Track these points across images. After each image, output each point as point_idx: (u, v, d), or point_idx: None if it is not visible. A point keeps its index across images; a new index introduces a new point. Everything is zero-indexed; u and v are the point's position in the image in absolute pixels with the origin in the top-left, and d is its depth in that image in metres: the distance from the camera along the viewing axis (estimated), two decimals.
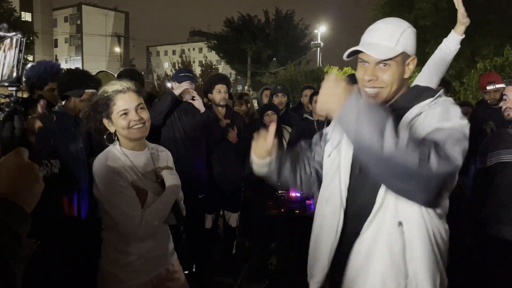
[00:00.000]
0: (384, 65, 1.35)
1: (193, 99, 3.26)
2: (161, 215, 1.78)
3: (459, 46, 2.39)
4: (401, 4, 14.94)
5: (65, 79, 2.93)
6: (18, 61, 0.80)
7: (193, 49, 51.86)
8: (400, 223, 1.32)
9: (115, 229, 1.73)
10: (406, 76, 1.40)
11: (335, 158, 1.51)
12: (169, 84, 14.85)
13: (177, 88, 3.17)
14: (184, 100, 3.26)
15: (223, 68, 37.63)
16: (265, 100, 4.56)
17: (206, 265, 3.61)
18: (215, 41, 33.91)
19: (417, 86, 1.49)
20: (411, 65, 1.40)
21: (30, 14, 40.82)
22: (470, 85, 12.26)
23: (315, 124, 3.71)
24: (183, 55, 28.59)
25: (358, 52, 1.40)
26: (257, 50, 30.65)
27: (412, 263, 1.31)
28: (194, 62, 32.68)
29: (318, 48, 26.73)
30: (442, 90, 1.42)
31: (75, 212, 2.76)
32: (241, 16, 32.83)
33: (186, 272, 3.51)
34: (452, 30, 2.39)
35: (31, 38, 24.10)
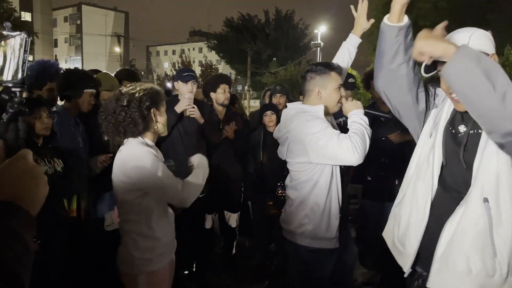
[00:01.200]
0: None
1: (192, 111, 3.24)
2: (198, 189, 2.00)
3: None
4: None
5: (64, 79, 2.92)
6: (23, 62, 0.80)
7: (193, 49, 51.85)
8: (486, 199, 1.36)
9: (142, 217, 1.87)
10: None
11: (431, 137, 1.57)
12: (169, 84, 14.84)
13: (178, 105, 3.15)
14: (185, 116, 3.23)
15: (223, 68, 37.62)
16: (268, 101, 4.55)
17: (206, 265, 3.61)
18: (215, 41, 33.92)
19: None
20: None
21: (30, 14, 40.83)
22: None
23: None
24: (183, 55, 28.61)
25: (434, 68, 1.44)
26: (257, 50, 30.65)
27: (499, 241, 1.35)
28: (194, 62, 32.68)
29: (318, 48, 26.71)
30: None
31: (75, 212, 2.76)
32: (241, 16, 32.84)
33: (186, 272, 3.52)
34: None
35: (31, 38, 24.06)
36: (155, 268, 1.92)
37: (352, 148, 1.93)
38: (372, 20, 2.46)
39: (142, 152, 1.81)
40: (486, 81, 1.17)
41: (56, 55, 46.39)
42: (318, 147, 1.99)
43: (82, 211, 2.75)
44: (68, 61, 46.60)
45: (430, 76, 1.48)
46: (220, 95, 3.58)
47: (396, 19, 1.51)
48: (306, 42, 31.87)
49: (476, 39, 1.42)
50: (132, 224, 1.92)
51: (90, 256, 2.57)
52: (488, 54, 1.40)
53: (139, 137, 1.88)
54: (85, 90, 2.88)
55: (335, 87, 2.15)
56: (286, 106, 4.37)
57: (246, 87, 30.74)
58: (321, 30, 27.39)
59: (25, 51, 0.79)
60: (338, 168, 2.12)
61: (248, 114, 5.37)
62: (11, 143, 0.80)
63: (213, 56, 35.97)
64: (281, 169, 3.85)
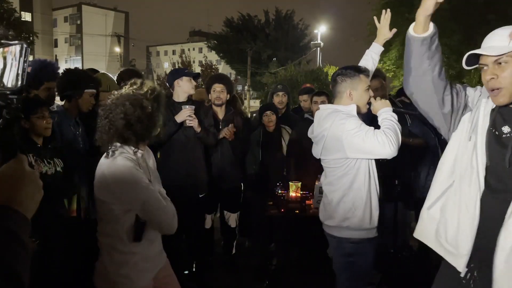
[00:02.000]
0: (501, 64, 1.45)
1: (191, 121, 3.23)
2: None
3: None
4: (401, 4, 14.93)
5: (64, 79, 2.92)
6: (23, 70, 0.81)
7: (193, 49, 51.82)
8: None
9: (117, 232, 1.76)
10: None
11: (466, 138, 1.62)
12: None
13: (179, 116, 3.14)
14: (184, 126, 3.21)
15: (223, 68, 37.61)
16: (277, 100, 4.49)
17: (206, 265, 3.61)
18: (215, 41, 33.86)
19: None
20: None
21: (30, 14, 40.82)
22: (470, 85, 12.26)
23: None
24: (183, 55, 28.60)
25: (476, 61, 1.50)
26: (257, 50, 30.61)
27: None
28: (194, 62, 32.69)
29: (318, 48, 26.69)
30: None
31: (75, 212, 2.76)
32: (241, 16, 32.80)
33: (186, 272, 3.52)
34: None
35: (31, 38, 24.06)
36: (134, 286, 1.80)
37: (387, 142, 2.06)
38: (394, 30, 2.58)
39: (126, 165, 1.70)
40: None
41: (56, 55, 46.37)
42: (355, 143, 2.13)
43: (82, 211, 2.75)
44: (68, 61, 46.58)
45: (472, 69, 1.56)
46: (212, 95, 3.60)
47: (421, 30, 1.56)
48: (306, 42, 31.82)
49: None
50: (105, 237, 1.82)
51: (89, 256, 2.57)
52: None
53: (131, 148, 1.78)
54: (85, 90, 2.88)
55: (365, 88, 2.32)
56: (287, 105, 4.40)
57: (246, 87, 30.72)
58: (321, 30, 27.38)
59: (24, 61, 0.80)
60: (373, 162, 2.28)
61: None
62: (6, 149, 0.80)
63: (213, 56, 35.94)
64: (281, 169, 3.86)
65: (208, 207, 3.66)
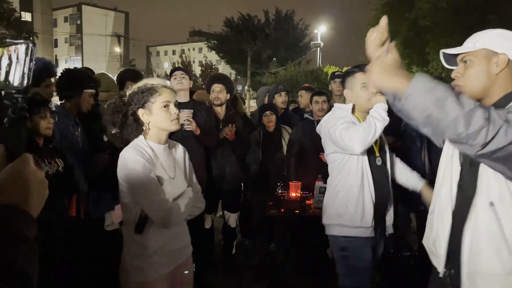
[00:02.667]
0: (466, 62, 1.48)
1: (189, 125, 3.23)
2: (188, 208, 1.88)
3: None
4: (401, 4, 14.93)
5: (64, 79, 2.92)
6: (29, 70, 0.81)
7: (193, 49, 51.83)
8: (491, 203, 1.42)
9: (130, 223, 1.81)
10: (496, 71, 1.44)
11: (449, 146, 1.66)
12: (168, 83, 14.79)
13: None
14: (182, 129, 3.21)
15: (223, 68, 37.62)
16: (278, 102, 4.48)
17: (206, 265, 3.61)
18: (215, 41, 33.88)
19: None
20: (501, 61, 1.43)
21: (30, 14, 40.83)
22: None
23: (316, 124, 3.71)
24: (183, 55, 28.64)
25: (451, 59, 1.55)
26: (257, 50, 30.62)
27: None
28: (194, 62, 32.69)
29: (318, 48, 26.73)
30: None
31: (75, 212, 2.76)
32: (241, 16, 32.81)
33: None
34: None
35: (31, 38, 24.07)
36: (146, 280, 1.81)
37: (352, 138, 2.10)
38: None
39: (131, 157, 1.76)
40: (439, 111, 1.22)
41: (56, 55, 46.38)
42: (332, 136, 2.23)
43: (82, 211, 2.75)
44: (68, 61, 46.59)
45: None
46: (211, 95, 3.61)
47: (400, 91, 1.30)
48: (306, 42, 31.85)
49: (487, 38, 1.46)
50: (125, 227, 1.88)
51: (90, 255, 2.58)
52: (496, 53, 1.43)
53: (141, 137, 1.85)
54: (84, 90, 2.88)
55: (360, 85, 2.33)
56: (288, 104, 4.39)
57: (246, 87, 30.73)
58: (321, 30, 27.43)
59: (30, 60, 0.81)
60: (366, 161, 2.29)
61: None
62: (12, 148, 0.80)
63: (213, 56, 35.96)
64: (281, 169, 3.86)
65: (208, 207, 3.66)
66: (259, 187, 3.79)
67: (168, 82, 1.92)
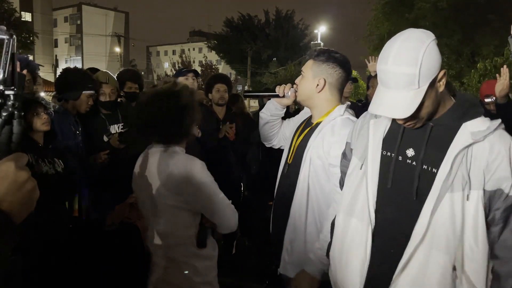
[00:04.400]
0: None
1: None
2: None
3: None
4: (401, 4, 14.94)
5: (62, 79, 2.90)
6: (5, 63, 0.78)
7: (193, 49, 51.85)
8: (454, 268, 1.20)
9: (192, 240, 1.69)
10: (441, 90, 1.25)
11: (355, 168, 1.43)
12: None
13: None
14: None
15: (223, 68, 37.63)
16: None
17: None
18: (215, 41, 33.91)
19: (462, 99, 1.33)
20: (443, 78, 1.24)
21: (30, 14, 40.81)
22: (470, 85, 12.26)
23: None
24: (183, 55, 28.66)
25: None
26: (257, 50, 30.63)
27: None
28: (194, 62, 32.71)
29: None
30: (499, 121, 1.24)
31: (77, 212, 2.77)
32: (241, 16, 32.83)
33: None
34: None
35: (31, 38, 24.08)
36: None
37: None
38: None
39: (197, 165, 1.63)
40: None
41: (56, 55, 46.35)
42: None
43: (83, 211, 2.76)
44: (68, 61, 46.61)
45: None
46: (215, 95, 3.61)
47: None
48: (306, 42, 31.86)
49: (425, 70, 1.18)
50: (182, 247, 1.70)
51: (90, 256, 2.57)
52: (437, 75, 1.22)
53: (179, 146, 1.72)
54: (83, 92, 2.84)
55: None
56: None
57: (246, 87, 30.73)
58: (321, 30, 27.45)
59: (6, 51, 0.79)
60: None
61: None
62: (2, 147, 0.79)
63: (213, 56, 35.98)
64: None
65: None
66: (259, 187, 3.79)
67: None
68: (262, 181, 3.79)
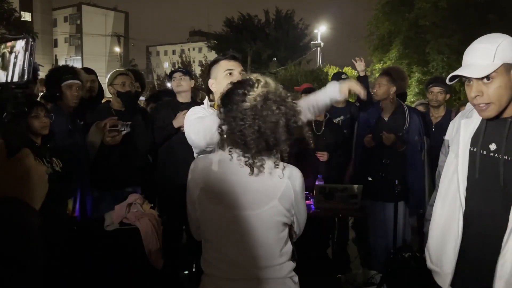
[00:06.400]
0: (487, 80, 1.44)
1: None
2: None
3: None
4: (401, 4, 14.93)
5: (45, 80, 2.89)
6: (29, 65, 0.82)
7: (193, 49, 51.79)
8: None
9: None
10: None
11: (452, 161, 1.64)
12: (169, 84, 14.84)
13: (176, 121, 3.17)
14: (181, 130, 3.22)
15: None
16: None
17: None
18: (215, 41, 33.87)
19: None
20: None
21: (30, 14, 40.78)
22: None
23: (313, 124, 3.71)
24: (183, 55, 28.63)
25: (458, 75, 1.50)
26: (257, 50, 30.60)
27: None
28: (194, 62, 32.68)
29: (318, 48, 26.70)
30: None
31: (76, 212, 2.76)
32: (241, 16, 32.79)
33: (186, 272, 3.51)
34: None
35: (35, 42, 24.05)
36: None
37: (198, 131, 1.91)
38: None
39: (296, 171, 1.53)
40: None
41: (56, 55, 46.35)
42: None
43: (82, 210, 2.75)
44: (68, 61, 46.54)
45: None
46: (214, 95, 3.60)
47: None
48: (306, 42, 31.82)
49: (503, 51, 1.43)
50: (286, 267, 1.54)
51: (90, 256, 2.57)
52: None
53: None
54: (63, 84, 2.79)
55: (224, 74, 2.15)
56: None
57: None
58: (321, 30, 27.40)
59: (30, 54, 0.81)
60: None
61: None
62: (12, 143, 0.81)
63: (213, 56, 35.76)
64: None
65: None
66: None
67: None
68: None
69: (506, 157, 1.47)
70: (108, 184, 3.06)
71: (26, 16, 37.03)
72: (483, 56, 1.45)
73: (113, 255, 2.51)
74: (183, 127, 3.14)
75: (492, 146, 1.52)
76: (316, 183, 3.30)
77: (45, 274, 2.07)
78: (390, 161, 3.40)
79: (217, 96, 2.08)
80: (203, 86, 4.42)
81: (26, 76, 0.82)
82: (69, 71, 2.88)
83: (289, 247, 1.54)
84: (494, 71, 1.42)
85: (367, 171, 3.51)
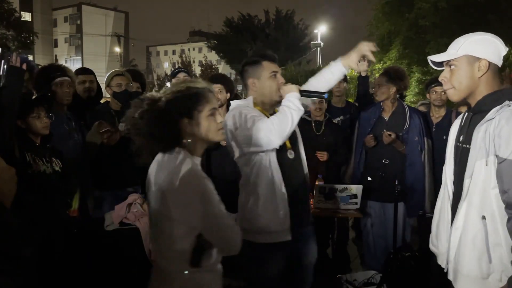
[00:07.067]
0: (451, 67, 1.66)
1: None
2: None
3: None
4: (401, 4, 14.92)
5: (34, 82, 2.85)
6: (3, 72, 0.89)
7: (193, 49, 51.81)
8: (483, 217, 1.56)
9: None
10: (479, 75, 1.61)
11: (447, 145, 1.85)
12: (168, 84, 14.84)
13: None
14: None
15: (223, 68, 37.59)
16: None
17: None
18: (215, 41, 33.87)
19: (502, 90, 1.64)
20: (483, 66, 1.60)
21: (30, 14, 40.79)
22: None
23: (313, 124, 3.70)
24: (183, 55, 28.67)
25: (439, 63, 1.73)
26: (257, 50, 30.60)
27: (495, 250, 1.54)
28: (194, 62, 32.72)
29: (318, 48, 26.70)
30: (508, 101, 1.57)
31: (76, 212, 2.76)
32: (241, 16, 32.79)
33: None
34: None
35: (31, 38, 24.07)
36: None
37: (266, 131, 1.94)
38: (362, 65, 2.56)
39: (200, 178, 1.48)
40: None
41: (56, 55, 46.37)
42: (241, 135, 2.04)
43: (83, 210, 2.75)
44: (68, 61, 46.56)
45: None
46: None
47: None
48: (306, 42, 31.81)
49: (469, 44, 1.63)
50: (174, 264, 1.56)
51: (90, 256, 2.57)
52: (478, 59, 1.60)
53: (182, 153, 1.54)
54: (54, 82, 2.76)
55: (269, 75, 2.17)
56: None
57: None
58: (321, 30, 27.39)
59: (5, 62, 0.86)
60: (275, 159, 2.10)
61: None
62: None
63: (213, 56, 35.94)
64: None
65: None
66: None
67: (212, 86, 1.65)
68: None
69: (464, 145, 1.69)
70: (109, 184, 3.06)
71: (26, 16, 37.04)
72: (452, 47, 1.68)
73: (113, 255, 2.50)
74: None
75: (461, 138, 1.73)
76: (316, 183, 3.30)
77: (45, 274, 2.06)
78: (390, 161, 3.40)
79: (257, 95, 2.17)
80: None
81: (1, 82, 0.87)
82: (57, 69, 2.85)
83: None
84: (454, 60, 1.64)
85: (367, 171, 3.51)
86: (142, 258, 2.47)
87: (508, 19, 11.71)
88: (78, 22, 49.34)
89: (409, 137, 3.35)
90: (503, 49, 1.64)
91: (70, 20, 50.17)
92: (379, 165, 3.43)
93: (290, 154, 2.20)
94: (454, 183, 1.76)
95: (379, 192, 3.39)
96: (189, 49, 41.26)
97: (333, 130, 3.75)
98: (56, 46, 49.30)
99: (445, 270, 1.78)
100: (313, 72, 20.24)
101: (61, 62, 43.28)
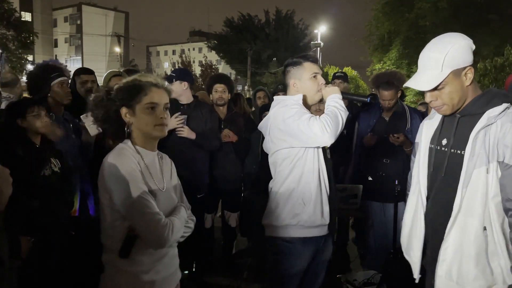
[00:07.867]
0: (438, 87, 1.55)
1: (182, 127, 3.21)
2: (183, 227, 1.67)
3: None
4: (401, 4, 14.93)
5: (29, 82, 2.82)
6: None
7: (193, 49, 51.80)
8: (485, 228, 1.50)
9: (119, 244, 1.55)
10: (467, 84, 1.56)
11: (417, 159, 1.80)
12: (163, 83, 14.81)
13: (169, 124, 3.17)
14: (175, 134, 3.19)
15: (223, 68, 37.60)
16: (259, 102, 4.55)
17: (206, 265, 3.61)
18: (215, 41, 33.88)
19: (489, 91, 1.61)
20: (469, 73, 1.55)
21: (30, 14, 40.78)
22: None
23: None
24: (183, 55, 28.65)
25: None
26: (257, 50, 30.62)
27: (493, 260, 1.51)
28: (194, 62, 32.69)
29: (318, 48, 26.70)
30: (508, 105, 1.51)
31: (76, 212, 2.76)
32: (241, 16, 32.81)
33: (186, 272, 3.52)
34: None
35: (31, 38, 24.05)
36: None
37: (321, 128, 1.97)
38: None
39: (117, 163, 1.51)
40: None
41: (56, 55, 46.35)
42: (292, 129, 2.05)
43: (83, 210, 2.75)
44: (68, 61, 46.56)
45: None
46: (214, 95, 3.61)
47: None
48: (306, 42, 31.83)
49: (451, 58, 1.52)
50: (108, 255, 1.59)
51: (89, 256, 2.57)
52: (464, 67, 1.54)
53: (128, 142, 1.62)
54: (54, 82, 2.74)
55: (310, 76, 2.19)
56: None
57: (246, 87, 30.72)
58: (321, 30, 27.41)
59: None
60: (321, 154, 2.15)
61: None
62: None
63: (213, 56, 35.94)
64: None
65: (209, 207, 3.66)
66: (259, 187, 3.78)
67: (165, 82, 1.68)
68: (262, 181, 3.79)
69: (452, 150, 1.61)
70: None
71: (26, 16, 37.02)
72: (432, 66, 1.55)
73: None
74: (175, 130, 3.14)
75: (444, 141, 1.66)
76: None
77: (45, 274, 2.06)
78: (390, 161, 3.40)
79: (297, 94, 2.19)
80: (203, 86, 4.41)
81: None
82: (55, 69, 2.81)
83: None
84: (443, 81, 1.53)
85: (367, 171, 3.51)
86: None
87: (508, 19, 11.71)
88: (78, 22, 49.35)
89: (412, 137, 3.35)
90: (472, 43, 1.57)
91: (70, 20, 50.18)
92: (380, 165, 3.43)
93: (328, 154, 2.27)
94: (428, 187, 1.69)
95: (380, 192, 3.39)
96: (189, 49, 41.25)
97: None
98: (56, 46, 49.30)
99: (416, 281, 1.75)
100: None
101: (61, 62, 43.25)
